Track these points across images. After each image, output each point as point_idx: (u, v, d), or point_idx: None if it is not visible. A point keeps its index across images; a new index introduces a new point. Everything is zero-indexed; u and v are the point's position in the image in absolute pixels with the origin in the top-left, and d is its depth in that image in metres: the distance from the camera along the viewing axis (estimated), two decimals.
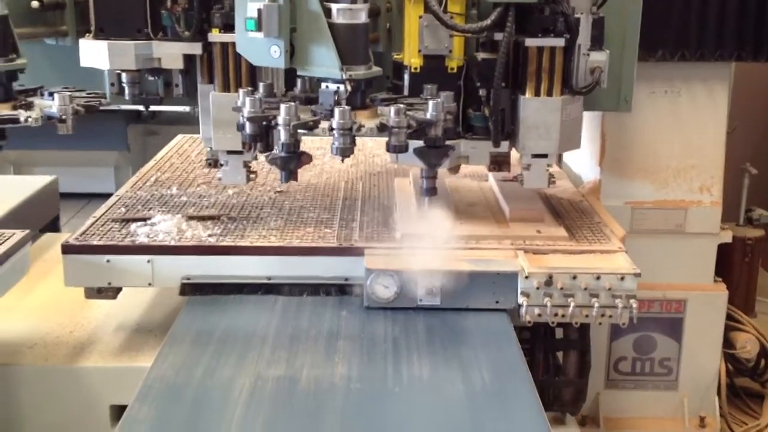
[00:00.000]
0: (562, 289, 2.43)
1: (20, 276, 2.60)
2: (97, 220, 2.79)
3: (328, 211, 2.91)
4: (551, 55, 2.42)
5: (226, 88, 2.50)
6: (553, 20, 2.37)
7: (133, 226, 2.74)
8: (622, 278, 2.44)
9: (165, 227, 2.73)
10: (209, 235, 2.68)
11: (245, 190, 3.11)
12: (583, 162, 3.45)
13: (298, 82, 2.33)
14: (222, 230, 2.72)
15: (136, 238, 2.64)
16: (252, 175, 2.66)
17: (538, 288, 2.44)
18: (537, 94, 2.46)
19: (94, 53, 2.40)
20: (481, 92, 2.46)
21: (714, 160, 3.22)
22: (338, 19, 2.21)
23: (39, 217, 3.76)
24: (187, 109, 6.82)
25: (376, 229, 2.75)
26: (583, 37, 2.42)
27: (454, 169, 2.70)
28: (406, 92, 2.49)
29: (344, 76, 2.19)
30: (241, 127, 2.24)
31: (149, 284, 2.61)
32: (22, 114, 2.36)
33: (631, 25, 2.65)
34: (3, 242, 2.51)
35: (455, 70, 2.49)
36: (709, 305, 3.43)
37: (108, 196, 3.06)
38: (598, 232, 2.75)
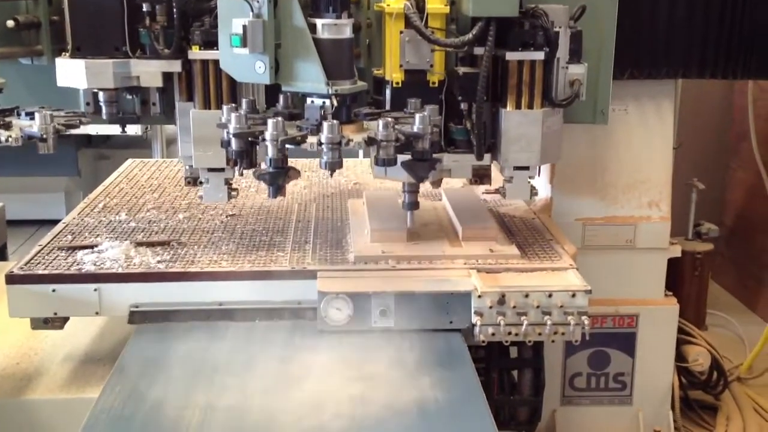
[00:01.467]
0: (514, 307, 2.43)
1: None
2: (42, 249, 2.72)
3: (281, 234, 2.88)
4: (531, 69, 2.45)
5: (206, 105, 2.48)
6: (532, 34, 2.40)
7: (79, 254, 2.68)
8: (574, 295, 2.44)
9: (112, 254, 2.67)
10: (158, 262, 2.63)
11: (196, 214, 3.06)
12: (535, 180, 3.46)
13: (281, 98, 2.33)
14: (171, 256, 2.67)
15: (82, 267, 2.58)
16: (233, 193, 2.63)
17: (491, 307, 2.43)
18: (518, 107, 2.48)
19: (71, 72, 2.38)
20: (463, 106, 2.48)
21: (662, 176, 3.26)
22: (323, 34, 2.22)
23: None
24: (138, 132, 6.96)
25: (329, 251, 2.73)
26: (562, 51, 2.46)
27: (436, 183, 2.71)
28: (387, 107, 2.50)
29: (330, 91, 2.20)
30: (226, 144, 2.23)
31: (96, 313, 2.55)
32: (2, 134, 2.33)
33: (606, 38, 2.69)
34: None
35: (436, 85, 2.50)
36: (661, 319, 3.46)
37: (58, 222, 3.01)
38: (549, 249, 2.76)
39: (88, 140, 7.16)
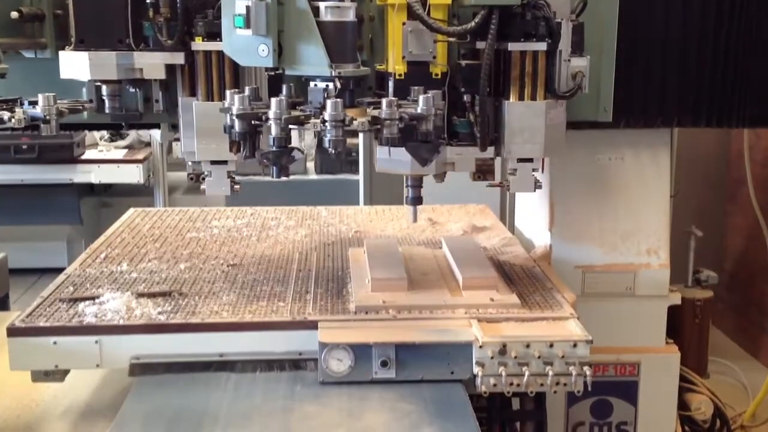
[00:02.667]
0: (516, 357, 2.41)
1: None
2: (44, 301, 2.71)
3: (282, 283, 2.88)
4: (534, 60, 2.44)
5: (209, 96, 2.46)
6: (534, 25, 2.39)
7: (81, 306, 2.67)
8: (575, 345, 2.43)
9: (114, 306, 2.66)
10: (159, 313, 2.62)
11: (198, 264, 3.06)
12: (534, 227, 3.49)
13: (284, 88, 2.32)
14: (173, 307, 2.66)
15: (83, 318, 2.57)
16: (236, 186, 2.59)
17: (492, 357, 2.42)
18: (521, 98, 2.47)
19: (75, 64, 2.37)
20: (466, 98, 2.47)
21: (660, 223, 3.28)
22: (326, 17, 2.21)
23: None
24: (141, 181, 6.98)
25: (330, 301, 2.72)
26: (564, 43, 2.44)
27: (440, 176, 2.66)
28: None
29: (333, 74, 2.19)
30: (229, 128, 2.21)
31: (97, 365, 2.54)
32: (5, 114, 2.29)
33: (607, 34, 2.68)
34: None
35: (439, 76, 2.48)
36: (663, 367, 3.44)
37: (60, 270, 3.01)
38: (550, 298, 2.75)
39: (91, 188, 7.18)
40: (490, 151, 2.54)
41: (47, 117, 2.32)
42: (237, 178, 7.02)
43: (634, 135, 3.11)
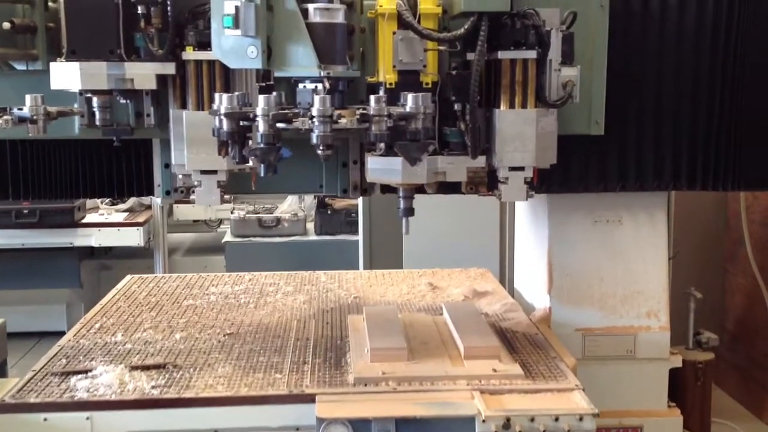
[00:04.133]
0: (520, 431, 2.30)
1: None
2: (35, 374, 2.59)
3: (279, 353, 2.76)
4: (524, 68, 2.42)
5: (200, 106, 2.41)
6: (524, 33, 2.38)
7: (73, 380, 2.55)
8: (581, 419, 2.31)
9: (106, 380, 2.54)
10: (152, 387, 2.50)
11: (193, 333, 2.95)
12: (533, 290, 3.42)
13: (274, 94, 2.27)
14: (167, 380, 2.54)
15: (75, 394, 2.45)
16: (225, 197, 2.52)
17: None
18: (512, 106, 2.44)
19: (66, 75, 2.34)
20: (457, 107, 2.44)
21: (658, 285, 3.21)
22: (315, 18, 2.19)
23: None
24: (141, 243, 6.89)
25: (328, 372, 2.60)
26: (554, 52, 2.41)
27: (432, 186, 2.57)
28: None
29: (322, 74, 2.17)
30: (217, 130, 2.18)
31: None
32: None
33: (598, 46, 2.66)
34: None
35: (430, 85, 2.45)
36: (666, 431, 3.31)
37: (60, 334, 2.95)
38: (554, 368, 2.63)
39: (91, 252, 7.09)
40: (482, 160, 2.49)
41: (35, 117, 2.27)
42: (238, 239, 6.90)
43: (630, 197, 3.07)
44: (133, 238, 6.76)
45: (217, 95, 2.23)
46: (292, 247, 6.77)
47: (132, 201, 7.05)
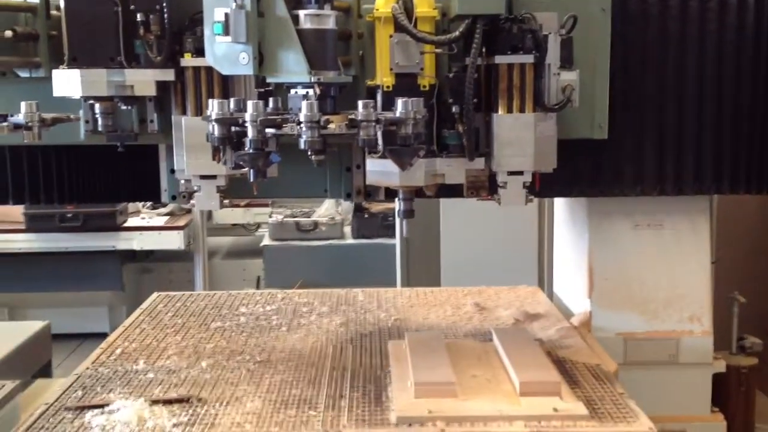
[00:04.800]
0: None
1: (10, 428, 2.19)
2: (48, 408, 2.24)
3: (313, 386, 2.37)
4: (522, 73, 2.33)
5: (198, 112, 2.34)
6: (521, 37, 2.30)
7: (88, 415, 2.19)
8: None
9: (124, 416, 2.18)
10: (174, 425, 2.13)
11: (221, 361, 2.57)
12: (573, 294, 3.20)
13: (270, 101, 2.21)
14: (189, 417, 2.17)
15: None
16: (225, 201, 2.44)
17: None
18: (509, 111, 2.35)
19: (67, 82, 2.29)
20: (454, 109, 2.33)
21: (701, 289, 3.02)
22: (305, 24, 2.14)
23: (31, 363, 3.44)
24: (181, 247, 6.65)
25: (367, 409, 2.21)
26: (552, 57, 2.31)
27: (431, 188, 2.43)
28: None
29: (312, 80, 2.12)
30: (210, 135, 2.14)
31: None
32: None
33: (600, 50, 2.55)
34: None
35: (427, 88, 2.34)
36: None
37: (102, 335, 2.82)
38: (622, 407, 2.21)
39: (133, 255, 6.90)
40: (480, 162, 2.40)
41: (29, 124, 2.24)
42: (276, 243, 6.79)
43: (672, 202, 2.89)
44: (174, 241, 6.65)
45: (210, 101, 2.15)
46: (329, 251, 6.65)
47: (172, 205, 6.84)
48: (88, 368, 2.53)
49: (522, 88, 2.33)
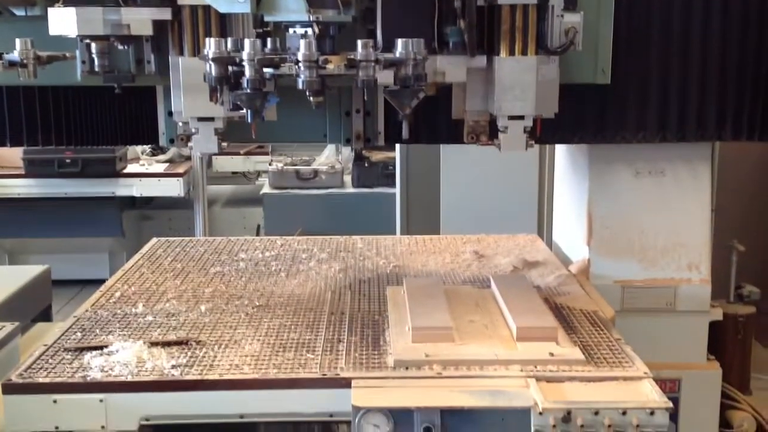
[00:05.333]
0: (582, 426, 1.91)
1: (9, 369, 2.18)
2: (47, 349, 2.25)
3: (312, 330, 2.38)
4: (524, 14, 2.27)
5: (196, 52, 2.29)
6: None
7: (87, 357, 2.20)
8: (652, 413, 1.92)
9: (123, 357, 2.19)
10: (173, 367, 2.14)
11: (220, 304, 2.58)
12: (572, 242, 3.19)
13: (269, 41, 2.14)
14: (188, 359, 2.18)
15: (88, 373, 2.10)
16: (224, 144, 2.40)
17: (554, 426, 1.91)
18: (511, 53, 2.30)
19: (63, 20, 2.23)
20: (456, 3, 2.25)
21: (700, 238, 3.01)
22: None
23: (31, 307, 3.44)
24: (181, 194, 6.64)
25: (365, 352, 2.22)
26: None
27: (432, 86, 2.35)
28: (378, 8, 2.23)
29: (311, 18, 2.07)
30: (207, 75, 2.09)
31: (102, 428, 2.07)
32: None
33: None
34: None
35: None
36: (704, 384, 3.12)
37: (102, 282, 2.75)
38: (618, 352, 2.22)
39: (132, 202, 6.90)
40: (481, 60, 2.31)
41: (24, 61, 2.19)
42: (276, 191, 6.84)
43: (673, 149, 2.87)
44: (174, 188, 6.64)
45: (207, 40, 2.10)
46: (329, 200, 6.64)
47: (172, 152, 6.83)
48: (87, 311, 2.53)
49: (525, 30, 2.28)
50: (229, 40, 2.11)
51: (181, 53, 2.32)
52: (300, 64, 2.01)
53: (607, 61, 2.53)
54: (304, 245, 3.20)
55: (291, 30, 2.13)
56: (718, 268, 3.28)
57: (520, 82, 2.30)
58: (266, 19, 2.16)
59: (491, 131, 2.45)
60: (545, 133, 2.48)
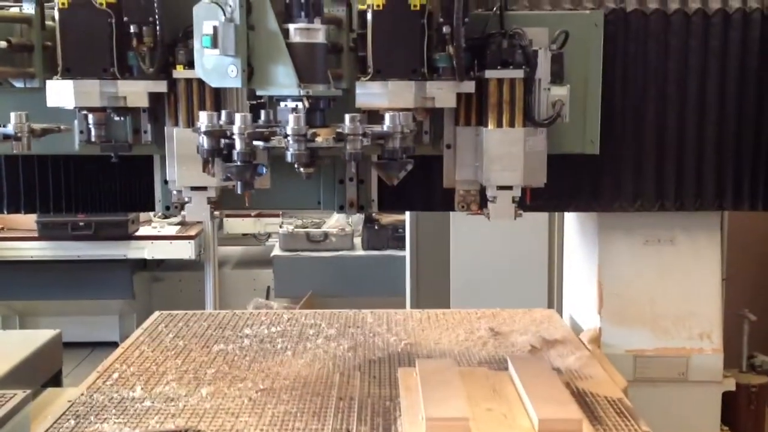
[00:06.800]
0: None
1: None
2: None
3: (319, 418, 2.17)
4: (511, 88, 2.29)
5: (190, 123, 2.30)
6: (511, 52, 2.26)
7: None
8: None
9: None
10: None
11: (222, 388, 2.37)
12: (583, 309, 3.06)
13: (262, 113, 2.17)
14: None
15: None
16: (216, 213, 2.41)
17: None
18: (499, 125, 2.31)
19: (60, 92, 2.25)
20: (445, 29, 2.23)
21: (712, 307, 2.90)
22: (295, 38, 2.10)
23: (42, 372, 3.27)
24: (192, 256, 6.50)
25: None
26: (543, 71, 2.28)
27: (421, 112, 2.34)
28: (369, 35, 2.21)
29: (301, 93, 2.07)
30: (200, 148, 2.09)
31: None
32: None
33: (592, 65, 2.46)
34: (4, 404, 2.26)
35: (418, 8, 2.22)
36: None
37: (112, 344, 2.68)
38: None
39: (144, 264, 6.74)
40: (470, 85, 2.26)
41: (18, 134, 2.17)
42: (286, 253, 6.86)
43: (682, 217, 2.80)
44: (185, 250, 6.52)
45: (200, 114, 2.11)
46: (339, 262, 6.54)
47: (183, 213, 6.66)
48: (82, 394, 2.33)
49: (512, 103, 2.29)
50: (222, 113, 2.09)
51: (176, 124, 2.31)
52: (289, 138, 2.00)
53: (596, 132, 2.49)
54: (311, 320, 3.00)
55: (282, 103, 2.12)
56: (730, 337, 3.17)
57: (508, 153, 2.30)
58: (258, 93, 2.15)
59: (482, 200, 2.44)
60: (540, 200, 2.44)
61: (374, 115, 2.24)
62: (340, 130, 2.04)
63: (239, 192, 2.14)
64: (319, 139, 2.02)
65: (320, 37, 2.11)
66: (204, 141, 2.05)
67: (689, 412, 2.91)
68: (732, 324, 3.42)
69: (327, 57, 2.14)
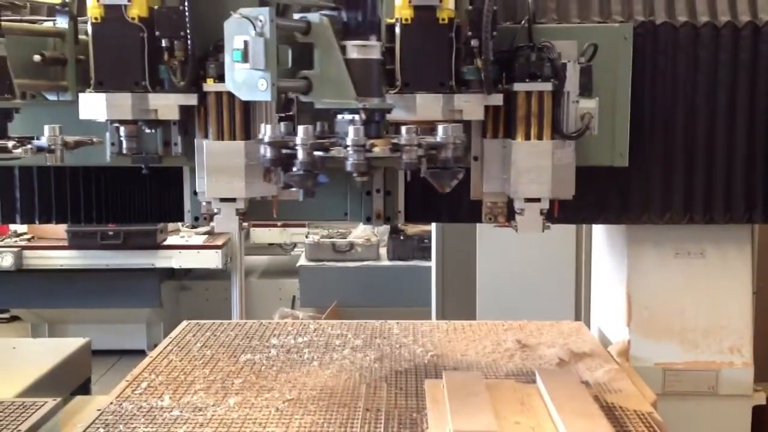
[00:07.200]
0: None
1: None
2: None
3: (345, 429, 2.15)
4: (540, 100, 2.30)
5: (220, 136, 2.32)
6: (539, 65, 2.26)
7: None
8: None
9: None
10: None
11: (249, 398, 2.37)
12: (611, 322, 3.03)
13: (317, 125, 2.21)
14: None
15: None
16: (244, 224, 2.42)
17: None
18: (527, 138, 2.32)
19: (93, 105, 2.28)
20: (473, 43, 2.25)
21: (742, 320, 2.87)
22: (353, 54, 2.16)
23: (71, 380, 3.35)
24: (219, 266, 6.53)
25: None
26: (571, 84, 2.29)
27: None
28: (397, 49, 2.24)
29: (359, 105, 2.12)
30: (262, 157, 2.15)
31: None
32: (10, 143, 2.16)
33: (621, 78, 2.47)
34: (34, 412, 2.32)
35: (446, 21, 2.24)
36: None
37: (140, 352, 2.70)
38: None
39: (171, 273, 6.78)
40: (498, 98, 2.28)
41: (52, 147, 2.19)
42: (312, 263, 6.92)
43: (713, 230, 2.78)
44: (212, 260, 6.56)
45: (262, 126, 2.15)
46: (365, 272, 6.55)
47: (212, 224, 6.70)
48: (111, 403, 2.35)
49: (540, 116, 2.29)
50: (282, 124, 2.17)
51: (206, 136, 2.33)
52: (349, 148, 2.05)
53: (625, 145, 2.49)
54: (338, 330, 3.00)
55: (340, 116, 2.18)
56: (760, 351, 3.11)
57: (536, 165, 2.30)
58: (317, 106, 2.19)
59: (509, 212, 2.44)
60: (568, 213, 2.44)
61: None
62: (395, 140, 2.10)
63: (301, 199, 2.25)
64: (376, 149, 2.07)
65: (375, 53, 2.17)
66: (267, 151, 2.11)
67: (719, 426, 2.88)
68: (762, 337, 3.37)
69: (381, 71, 2.19)
